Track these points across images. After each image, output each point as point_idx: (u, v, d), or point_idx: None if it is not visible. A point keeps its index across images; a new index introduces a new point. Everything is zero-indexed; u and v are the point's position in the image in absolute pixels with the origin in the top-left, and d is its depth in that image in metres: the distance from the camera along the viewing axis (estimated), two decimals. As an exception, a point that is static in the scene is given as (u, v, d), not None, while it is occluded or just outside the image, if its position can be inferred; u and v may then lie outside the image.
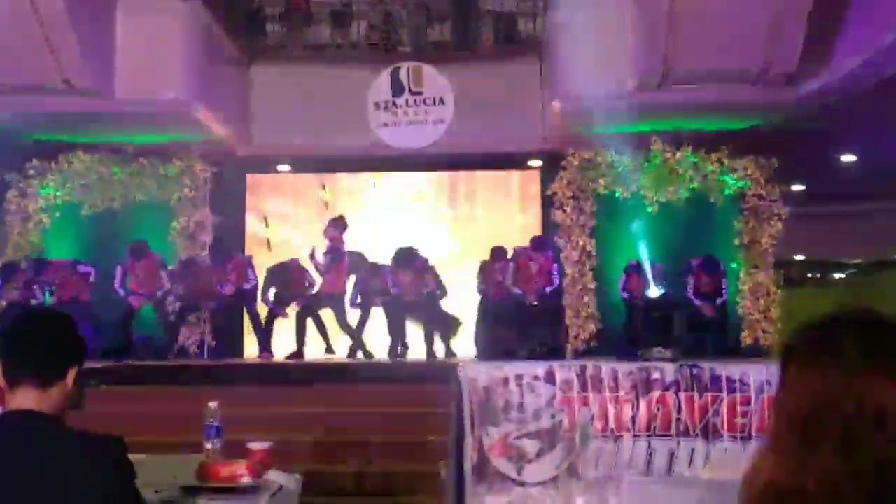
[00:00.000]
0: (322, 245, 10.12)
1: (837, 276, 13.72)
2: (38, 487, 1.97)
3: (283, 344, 10.07)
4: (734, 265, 10.51)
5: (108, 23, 9.51)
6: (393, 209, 11.47)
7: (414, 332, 9.98)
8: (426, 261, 9.99)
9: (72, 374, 2.15)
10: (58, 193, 10.93)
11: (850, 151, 11.84)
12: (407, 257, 9.80)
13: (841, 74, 8.99)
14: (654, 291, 7.72)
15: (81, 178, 10.94)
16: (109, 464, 2.05)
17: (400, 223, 10.68)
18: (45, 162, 10.91)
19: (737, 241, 10.55)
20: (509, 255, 9.92)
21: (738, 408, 5.95)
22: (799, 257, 13.89)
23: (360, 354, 9.88)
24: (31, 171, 10.92)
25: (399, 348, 9.78)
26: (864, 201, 12.92)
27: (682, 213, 10.50)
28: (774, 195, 10.56)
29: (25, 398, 2.09)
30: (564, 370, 6.07)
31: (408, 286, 9.74)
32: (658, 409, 5.98)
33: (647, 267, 9.65)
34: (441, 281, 10.00)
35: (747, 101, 9.68)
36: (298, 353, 9.79)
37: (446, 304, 10.07)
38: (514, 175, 12.09)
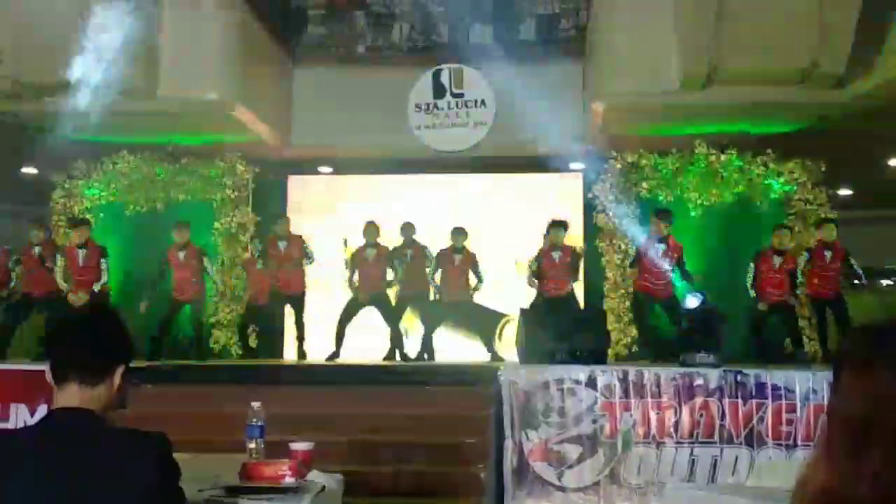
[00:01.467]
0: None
1: (885, 281, 13.47)
2: (83, 484, 1.99)
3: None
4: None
5: (151, 23, 9.60)
6: (434, 211, 11.42)
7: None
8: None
9: (119, 373, 2.18)
10: (102, 194, 11.07)
11: (898, 155, 11.64)
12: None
13: (889, 76, 8.83)
14: (692, 302, 7.53)
15: (125, 179, 11.08)
16: (154, 461, 2.06)
17: (440, 226, 10.60)
18: (89, 163, 11.06)
19: (782, 246, 10.39)
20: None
21: (784, 415, 5.85)
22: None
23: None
24: (76, 172, 11.08)
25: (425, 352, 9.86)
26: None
27: (727, 217, 10.36)
28: (821, 199, 10.39)
29: (72, 396, 2.12)
30: (606, 375, 6.02)
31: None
32: (701, 416, 5.89)
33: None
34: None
35: (794, 103, 9.52)
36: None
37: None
38: (556, 178, 12.02)
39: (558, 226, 9.63)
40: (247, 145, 10.98)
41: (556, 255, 9.53)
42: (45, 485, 1.99)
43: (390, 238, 10.22)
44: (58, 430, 2.09)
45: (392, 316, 9.92)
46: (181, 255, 9.88)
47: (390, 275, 9.96)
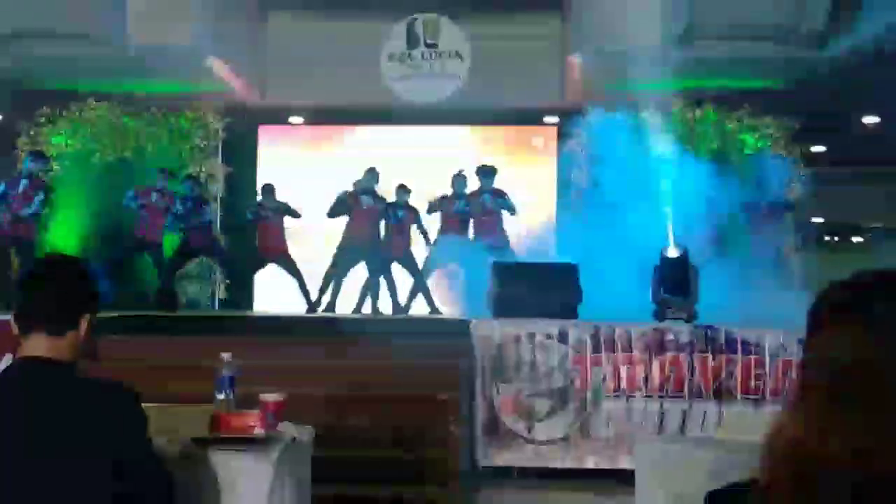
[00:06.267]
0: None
1: (856, 239, 13.65)
2: (50, 434, 1.98)
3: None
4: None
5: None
6: (407, 163, 11.33)
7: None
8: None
9: (84, 323, 2.15)
10: (69, 142, 10.89)
11: (873, 113, 11.69)
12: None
13: (869, 34, 8.85)
14: (672, 251, 7.47)
15: (92, 127, 10.91)
16: (122, 412, 2.07)
17: (413, 177, 10.50)
18: (55, 109, 10.87)
19: (756, 202, 10.45)
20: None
21: (753, 370, 5.92)
22: (818, 219, 13.78)
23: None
24: (42, 119, 10.88)
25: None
26: (887, 164, 12.78)
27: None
28: (795, 155, 10.44)
29: (38, 346, 2.10)
30: (577, 330, 6.04)
31: None
32: (671, 371, 5.95)
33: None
34: None
35: (772, 59, 9.53)
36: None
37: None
38: (531, 131, 11.97)
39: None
40: (217, 94, 10.87)
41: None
42: (10, 434, 1.98)
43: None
44: (22, 380, 2.07)
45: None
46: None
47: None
